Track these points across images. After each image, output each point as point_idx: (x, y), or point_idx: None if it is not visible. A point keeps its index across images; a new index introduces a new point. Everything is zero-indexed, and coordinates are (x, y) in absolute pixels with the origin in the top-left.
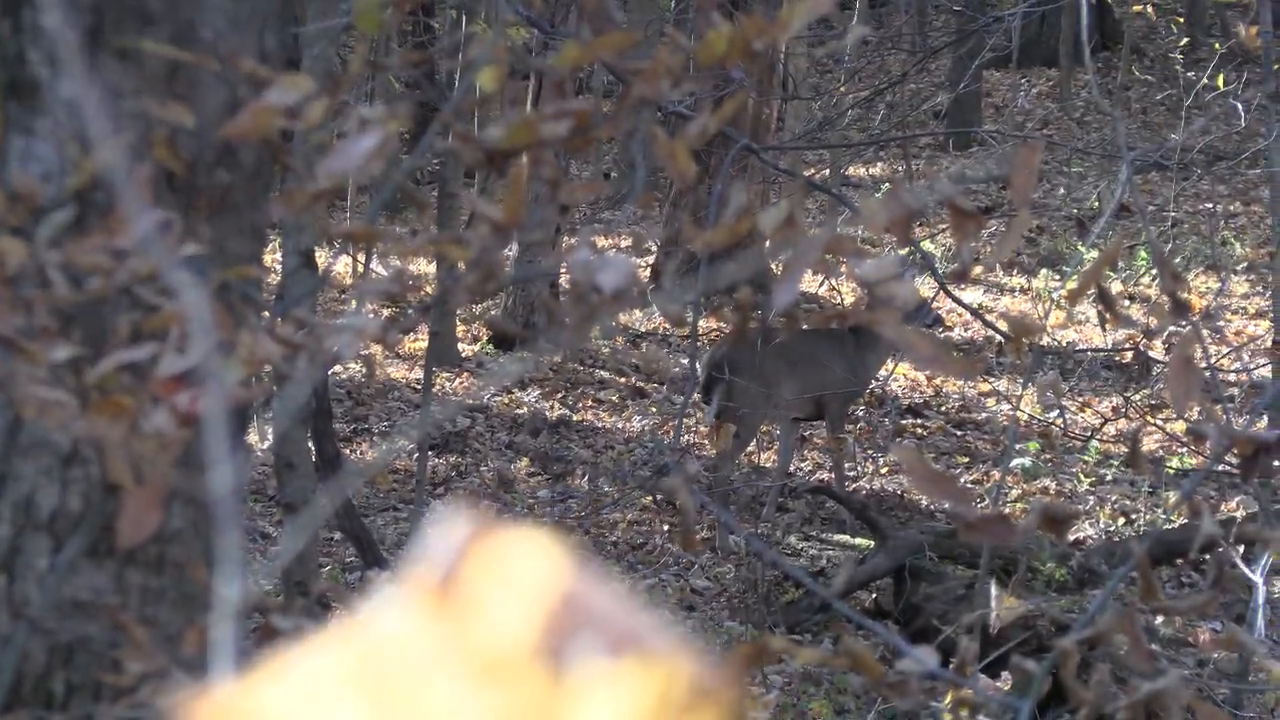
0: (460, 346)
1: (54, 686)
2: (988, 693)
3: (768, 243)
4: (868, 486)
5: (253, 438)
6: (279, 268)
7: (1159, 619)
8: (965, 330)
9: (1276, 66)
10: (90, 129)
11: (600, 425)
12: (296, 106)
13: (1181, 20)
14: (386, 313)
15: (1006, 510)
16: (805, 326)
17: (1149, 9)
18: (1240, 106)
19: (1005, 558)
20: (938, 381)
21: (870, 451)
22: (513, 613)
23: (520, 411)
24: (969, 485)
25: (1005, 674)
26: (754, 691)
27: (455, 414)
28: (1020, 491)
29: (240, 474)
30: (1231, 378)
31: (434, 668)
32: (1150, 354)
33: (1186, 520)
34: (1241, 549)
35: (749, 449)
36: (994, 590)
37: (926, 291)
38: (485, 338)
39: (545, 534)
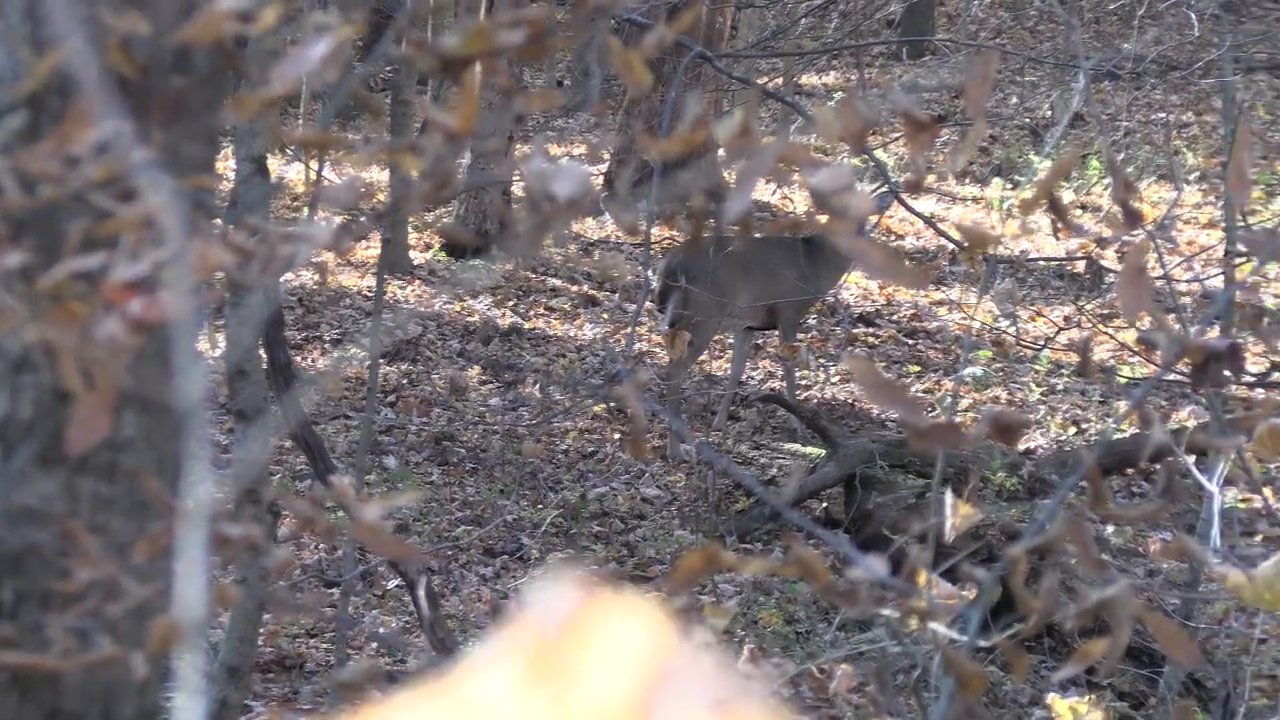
0: (413, 254)
1: (2, 595)
2: (940, 600)
3: (722, 152)
4: (819, 395)
5: (203, 345)
6: (232, 174)
7: (1109, 528)
8: (918, 239)
9: None
10: (45, 32)
11: (552, 333)
12: (250, 11)
13: None
14: (339, 219)
15: (958, 419)
16: (759, 235)
17: None
18: (1193, 16)
19: (957, 467)
20: (890, 290)
21: (822, 360)
22: (612, 677)
23: (472, 319)
24: (920, 394)
25: (964, 583)
26: (708, 601)
27: (407, 322)
28: (972, 400)
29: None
30: (1183, 287)
31: None
32: (1103, 263)
33: (1138, 430)
34: (1193, 459)
35: (702, 357)
36: (949, 499)
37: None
38: (438, 245)
39: (647, 602)
